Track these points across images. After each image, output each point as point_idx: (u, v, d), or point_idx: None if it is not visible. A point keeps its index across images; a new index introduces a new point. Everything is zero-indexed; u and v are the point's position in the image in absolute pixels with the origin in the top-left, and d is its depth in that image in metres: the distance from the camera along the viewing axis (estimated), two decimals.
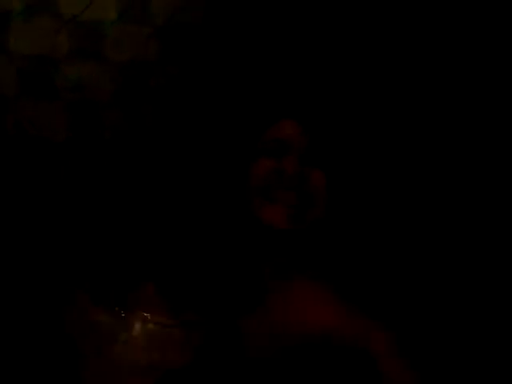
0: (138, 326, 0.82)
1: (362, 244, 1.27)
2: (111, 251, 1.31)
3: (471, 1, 1.56)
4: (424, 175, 1.59)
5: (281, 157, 1.16)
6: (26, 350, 1.19)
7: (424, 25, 1.56)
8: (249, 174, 1.18)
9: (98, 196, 1.50)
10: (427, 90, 1.59)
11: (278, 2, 1.51)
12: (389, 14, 1.55)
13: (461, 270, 1.52)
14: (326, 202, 1.19)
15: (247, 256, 1.19)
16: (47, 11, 1.47)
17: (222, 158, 1.27)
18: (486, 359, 1.38)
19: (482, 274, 1.54)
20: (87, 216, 1.48)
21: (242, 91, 1.33)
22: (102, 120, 1.50)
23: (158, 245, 1.21)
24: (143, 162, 1.50)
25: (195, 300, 0.96)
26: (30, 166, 1.49)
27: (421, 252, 1.50)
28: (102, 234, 1.43)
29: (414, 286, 1.34)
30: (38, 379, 1.06)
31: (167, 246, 1.20)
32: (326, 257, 1.22)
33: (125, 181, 1.51)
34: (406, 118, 1.58)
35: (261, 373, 1.09)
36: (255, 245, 1.19)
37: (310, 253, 1.21)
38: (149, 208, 1.48)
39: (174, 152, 1.50)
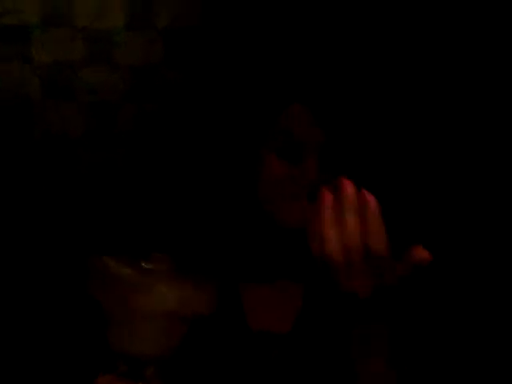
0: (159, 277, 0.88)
1: None
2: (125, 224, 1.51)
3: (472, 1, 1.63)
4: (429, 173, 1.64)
5: (296, 160, 1.05)
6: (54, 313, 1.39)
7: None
8: (258, 170, 1.08)
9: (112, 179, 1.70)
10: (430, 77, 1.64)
11: None
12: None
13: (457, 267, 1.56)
14: None
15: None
16: (62, 23, 1.67)
17: (229, 150, 1.18)
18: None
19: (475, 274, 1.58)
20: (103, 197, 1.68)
21: (248, 77, 1.24)
22: (115, 117, 1.70)
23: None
24: (153, 153, 1.70)
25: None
26: (51, 159, 1.70)
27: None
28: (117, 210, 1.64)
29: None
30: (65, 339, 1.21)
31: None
32: None
33: (137, 168, 1.70)
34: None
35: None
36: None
37: None
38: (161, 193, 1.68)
39: (182, 145, 1.69)
